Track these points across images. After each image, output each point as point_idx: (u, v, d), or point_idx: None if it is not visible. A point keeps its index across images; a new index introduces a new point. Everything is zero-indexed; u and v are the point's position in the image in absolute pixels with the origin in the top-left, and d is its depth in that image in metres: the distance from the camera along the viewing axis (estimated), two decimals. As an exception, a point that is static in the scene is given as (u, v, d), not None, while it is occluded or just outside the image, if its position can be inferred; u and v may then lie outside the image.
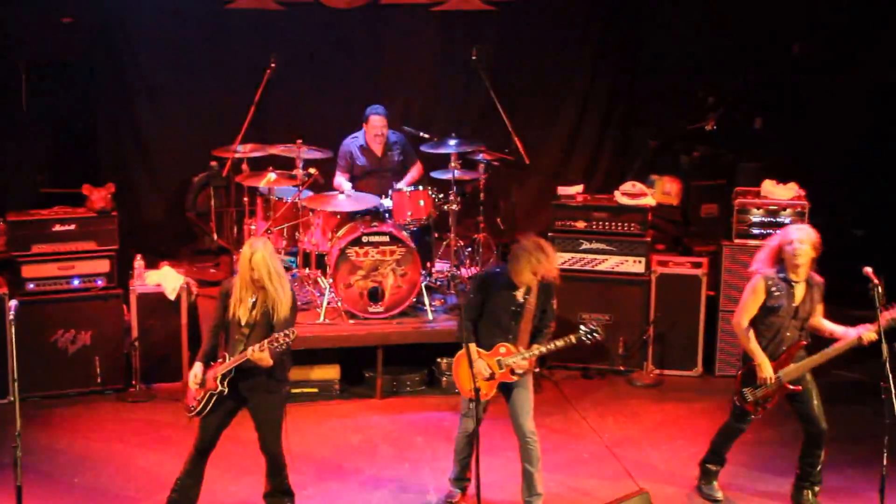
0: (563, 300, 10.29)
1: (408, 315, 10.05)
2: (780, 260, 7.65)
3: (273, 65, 10.43)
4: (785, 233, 7.72)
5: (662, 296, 10.32)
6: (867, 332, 7.48)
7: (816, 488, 7.88)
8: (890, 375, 7.09)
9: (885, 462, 7.14)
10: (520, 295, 7.64)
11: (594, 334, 7.59)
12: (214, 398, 7.35)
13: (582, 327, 7.62)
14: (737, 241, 10.26)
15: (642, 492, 7.60)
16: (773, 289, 7.60)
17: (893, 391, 7.07)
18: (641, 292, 10.39)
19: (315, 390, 9.96)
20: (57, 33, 11.14)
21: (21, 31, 10.96)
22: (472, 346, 7.65)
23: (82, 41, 11.28)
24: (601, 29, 12.50)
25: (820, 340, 7.82)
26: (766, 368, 7.60)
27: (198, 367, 7.43)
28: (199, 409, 7.39)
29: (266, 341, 7.11)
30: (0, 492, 7.97)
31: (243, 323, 7.31)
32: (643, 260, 10.40)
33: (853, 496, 8.12)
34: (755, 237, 10.18)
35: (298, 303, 10.08)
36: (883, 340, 7.24)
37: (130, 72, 11.61)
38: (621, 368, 10.45)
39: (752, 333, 7.67)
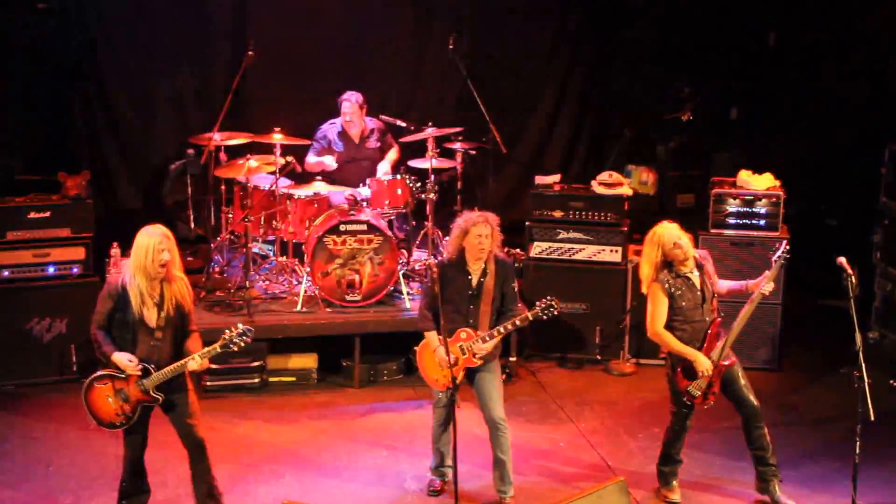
0: (540, 289, 10.36)
1: (385, 304, 10.06)
2: (668, 262, 7.71)
3: (251, 52, 10.40)
4: (659, 240, 7.75)
5: (639, 285, 10.31)
6: (765, 285, 7.58)
7: (779, 474, 7.83)
8: (863, 364, 7.16)
9: (857, 450, 7.21)
10: (474, 279, 7.67)
11: (551, 309, 7.61)
12: (144, 409, 7.11)
13: (537, 304, 7.64)
14: (713, 230, 10.30)
15: (618, 479, 7.62)
16: (673, 289, 7.67)
17: (866, 380, 7.14)
18: (618, 281, 10.42)
19: (293, 379, 9.96)
20: (32, 19, 11.06)
21: (-4, 17, 10.90)
22: (433, 334, 7.69)
23: (58, 27, 11.20)
24: (578, 18, 12.51)
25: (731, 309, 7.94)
26: (702, 361, 7.60)
27: (123, 355, 7.00)
28: (127, 423, 7.12)
29: (217, 346, 6.92)
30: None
31: (153, 325, 6.99)
32: (620, 249, 10.44)
33: (826, 484, 8.17)
34: (731, 227, 10.23)
35: (277, 291, 10.18)
36: (857, 330, 7.29)
37: (106, 58, 11.52)
38: (598, 357, 10.49)
39: (671, 335, 7.68)
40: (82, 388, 7.20)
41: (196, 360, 6.95)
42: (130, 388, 7.04)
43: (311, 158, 10.58)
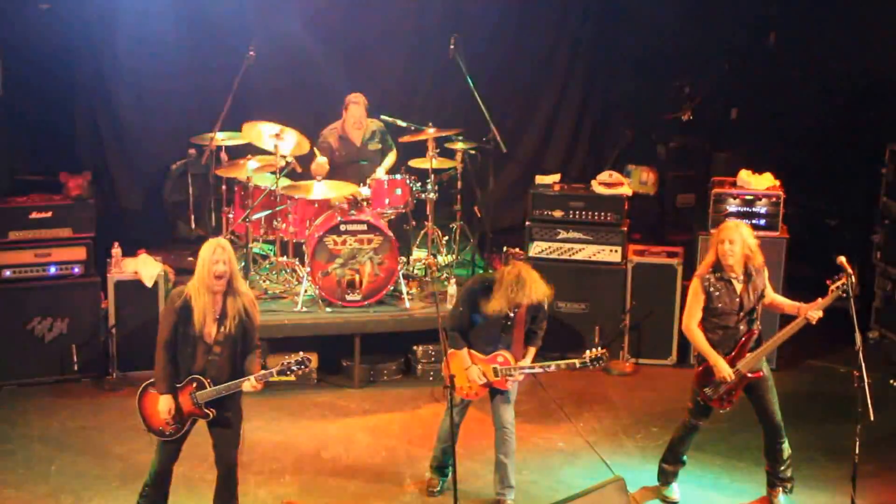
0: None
1: (385, 304, 10.08)
2: (717, 260, 7.70)
3: (252, 52, 10.41)
4: (717, 232, 7.77)
5: (638, 285, 10.37)
6: (813, 313, 7.53)
7: (789, 485, 7.87)
8: (863, 364, 7.17)
9: (856, 451, 7.22)
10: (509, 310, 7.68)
11: (600, 361, 7.69)
12: (194, 422, 7.10)
13: (587, 352, 7.70)
14: (713, 230, 10.27)
15: (617, 479, 7.64)
16: (711, 289, 7.65)
17: (866, 380, 7.15)
18: (618, 281, 10.43)
19: (293, 379, 9.90)
20: (35, 20, 11.07)
21: (-3, 17, 10.92)
22: (465, 352, 7.74)
23: (60, 28, 11.22)
24: (579, 18, 12.53)
25: (772, 325, 7.88)
26: (722, 368, 7.60)
27: (168, 401, 6.96)
28: (175, 433, 7.09)
29: (274, 371, 6.95)
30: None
31: (212, 340, 6.93)
32: (619, 249, 10.45)
33: (825, 484, 8.19)
34: (731, 227, 10.24)
35: (278, 291, 10.19)
36: (857, 330, 7.31)
37: (108, 59, 11.55)
38: (597, 357, 10.49)
39: (701, 334, 7.69)
40: (138, 390, 7.17)
41: (251, 382, 6.93)
42: (184, 399, 7.00)
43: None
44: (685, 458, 8.04)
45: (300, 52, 11.77)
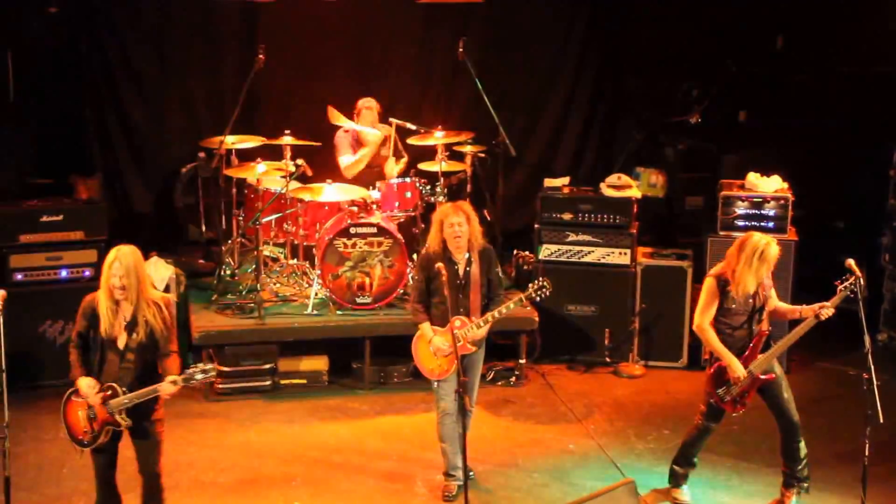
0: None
1: (395, 306, 10.09)
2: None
3: (261, 56, 10.43)
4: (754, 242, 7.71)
5: (648, 287, 10.39)
6: (824, 311, 7.54)
7: (805, 484, 7.87)
8: (872, 367, 7.19)
9: (866, 453, 7.24)
10: (461, 269, 7.80)
11: (543, 290, 7.75)
12: (114, 432, 6.90)
13: (530, 285, 7.80)
14: (722, 233, 10.33)
15: (628, 481, 7.65)
16: (727, 289, 7.67)
17: (875, 383, 7.17)
18: (627, 284, 10.45)
19: (304, 381, 10.01)
20: (43, 23, 11.11)
21: (7, 21, 10.92)
22: (427, 325, 7.88)
23: (69, 31, 11.27)
24: (587, 21, 12.53)
25: (783, 326, 7.93)
26: (736, 367, 7.60)
27: (88, 382, 6.77)
28: (91, 442, 6.89)
29: (181, 378, 6.67)
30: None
31: (123, 347, 6.75)
32: (629, 252, 10.47)
33: (835, 487, 8.19)
34: (740, 229, 10.24)
35: (288, 293, 10.15)
36: (865, 332, 7.32)
37: (118, 62, 11.56)
38: (607, 360, 10.51)
39: (714, 334, 7.70)
40: (62, 399, 7.03)
41: (167, 387, 6.71)
42: (98, 408, 6.83)
43: (348, 158, 10.51)
44: (696, 460, 8.05)
45: (309, 56, 11.80)
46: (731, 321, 7.68)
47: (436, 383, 7.94)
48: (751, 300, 7.64)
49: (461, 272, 7.82)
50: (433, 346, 7.83)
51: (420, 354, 7.99)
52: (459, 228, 7.73)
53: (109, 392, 6.76)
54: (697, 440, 7.97)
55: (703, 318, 7.73)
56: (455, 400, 7.64)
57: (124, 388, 6.76)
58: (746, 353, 7.65)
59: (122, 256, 6.69)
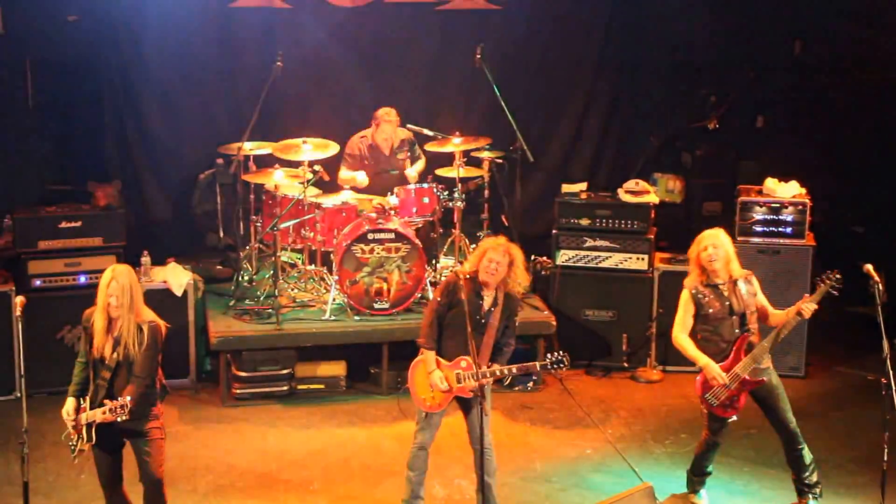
0: (567, 297, 10.43)
1: (413, 311, 10.09)
2: (703, 267, 7.73)
3: (280, 62, 10.46)
4: (698, 242, 7.78)
5: (665, 293, 10.36)
6: (807, 305, 7.52)
7: (817, 490, 7.85)
8: (890, 372, 7.16)
9: (885, 458, 7.21)
10: (486, 304, 7.51)
11: (560, 365, 7.42)
12: (86, 445, 6.91)
13: (549, 355, 7.48)
14: (739, 238, 10.29)
15: (646, 485, 7.65)
16: (700, 296, 7.70)
17: (894, 387, 7.14)
18: (645, 289, 10.44)
19: (322, 386, 10.02)
20: (63, 31, 11.17)
21: (27, 30, 11.00)
22: (432, 355, 7.55)
23: (88, 39, 11.31)
24: (604, 27, 12.53)
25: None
26: (711, 369, 7.61)
27: (70, 403, 6.93)
28: (73, 451, 6.96)
29: (107, 409, 6.65)
30: (8, 487, 8.05)
31: (108, 362, 6.83)
32: (646, 257, 10.46)
33: (854, 491, 8.18)
34: (758, 235, 10.26)
35: (306, 299, 10.15)
36: (884, 337, 7.30)
37: (136, 69, 11.60)
38: (625, 365, 10.51)
39: (689, 341, 7.72)
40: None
41: (94, 412, 6.72)
42: (78, 419, 6.92)
43: (345, 174, 10.64)
44: (710, 469, 8.05)
45: (327, 62, 11.83)
46: (714, 328, 7.71)
47: (423, 412, 7.68)
48: (727, 303, 7.65)
49: (484, 309, 7.53)
50: (432, 378, 7.52)
51: (416, 380, 7.67)
52: (496, 267, 7.42)
53: (86, 406, 6.85)
54: (706, 454, 7.99)
55: (677, 328, 7.79)
56: (432, 436, 7.58)
57: (99, 404, 6.80)
58: (731, 356, 7.65)
59: (119, 276, 6.85)
